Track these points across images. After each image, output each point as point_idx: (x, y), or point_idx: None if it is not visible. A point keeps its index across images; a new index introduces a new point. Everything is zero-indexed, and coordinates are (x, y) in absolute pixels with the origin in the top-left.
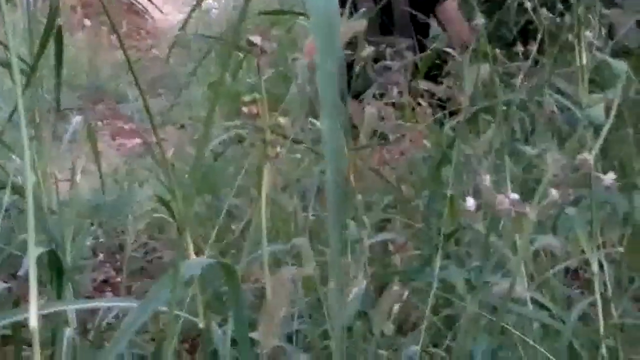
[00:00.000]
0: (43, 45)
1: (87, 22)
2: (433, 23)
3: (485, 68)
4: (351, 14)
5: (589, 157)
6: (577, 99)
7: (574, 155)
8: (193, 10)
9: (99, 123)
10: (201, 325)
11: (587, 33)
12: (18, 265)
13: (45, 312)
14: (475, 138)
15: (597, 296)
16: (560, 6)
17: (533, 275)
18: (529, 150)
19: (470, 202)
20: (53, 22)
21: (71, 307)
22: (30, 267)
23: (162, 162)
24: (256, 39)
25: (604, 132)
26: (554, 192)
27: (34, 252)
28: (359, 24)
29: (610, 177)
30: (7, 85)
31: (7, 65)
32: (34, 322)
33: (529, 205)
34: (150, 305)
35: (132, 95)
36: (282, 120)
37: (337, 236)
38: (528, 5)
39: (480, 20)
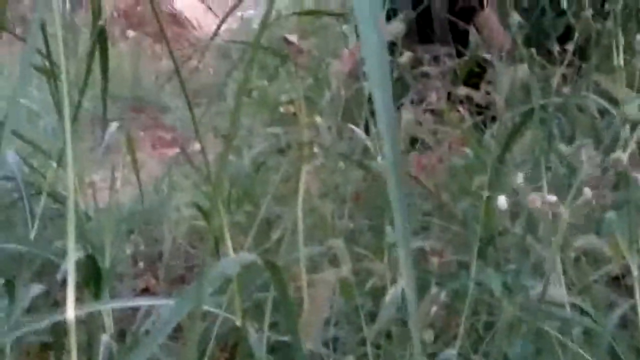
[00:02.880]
0: (90, 57)
1: (131, 32)
2: (472, 32)
3: (523, 68)
4: (389, 18)
5: (622, 155)
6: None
7: (609, 154)
8: (224, 19)
9: (141, 133)
10: (238, 323)
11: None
12: (55, 272)
13: (83, 311)
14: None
15: (637, 300)
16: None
17: (574, 282)
18: (563, 147)
19: (502, 201)
20: (99, 33)
21: (108, 307)
22: (69, 265)
23: (202, 170)
24: (293, 38)
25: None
26: (586, 191)
27: (73, 251)
28: (397, 27)
29: None
30: (41, 92)
31: (47, 72)
32: (71, 314)
33: (562, 205)
34: (187, 303)
35: (174, 106)
36: (318, 119)
37: (401, 215)
38: (565, 5)
39: (516, 17)
